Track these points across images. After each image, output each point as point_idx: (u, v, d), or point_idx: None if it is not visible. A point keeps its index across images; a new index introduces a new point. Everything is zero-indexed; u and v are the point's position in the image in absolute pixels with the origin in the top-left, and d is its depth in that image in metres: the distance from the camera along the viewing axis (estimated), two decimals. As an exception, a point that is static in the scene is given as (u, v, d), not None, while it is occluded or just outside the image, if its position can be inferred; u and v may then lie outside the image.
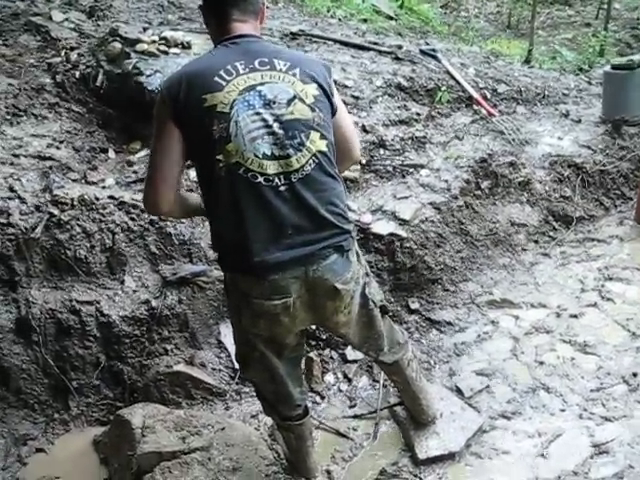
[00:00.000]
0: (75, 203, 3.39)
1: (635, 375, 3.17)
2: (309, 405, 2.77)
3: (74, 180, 3.69)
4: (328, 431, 3.16)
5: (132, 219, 3.46)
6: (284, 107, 2.14)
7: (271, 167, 2.11)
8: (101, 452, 3.08)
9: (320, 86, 2.25)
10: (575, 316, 3.67)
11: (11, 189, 3.40)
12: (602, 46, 8.10)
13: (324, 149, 2.20)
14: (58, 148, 3.90)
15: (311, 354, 3.43)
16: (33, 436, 3.15)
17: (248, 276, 2.19)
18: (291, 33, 5.51)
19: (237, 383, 3.35)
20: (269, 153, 2.11)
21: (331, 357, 3.51)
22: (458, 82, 5.22)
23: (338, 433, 3.14)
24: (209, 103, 2.09)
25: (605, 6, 9.08)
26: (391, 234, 3.78)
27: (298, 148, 2.14)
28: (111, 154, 4.11)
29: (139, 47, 4.41)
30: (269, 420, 3.02)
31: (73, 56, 4.53)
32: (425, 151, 4.51)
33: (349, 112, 4.50)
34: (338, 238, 2.23)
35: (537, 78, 5.94)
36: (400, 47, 5.66)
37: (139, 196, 3.55)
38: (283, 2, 7.16)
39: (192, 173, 3.47)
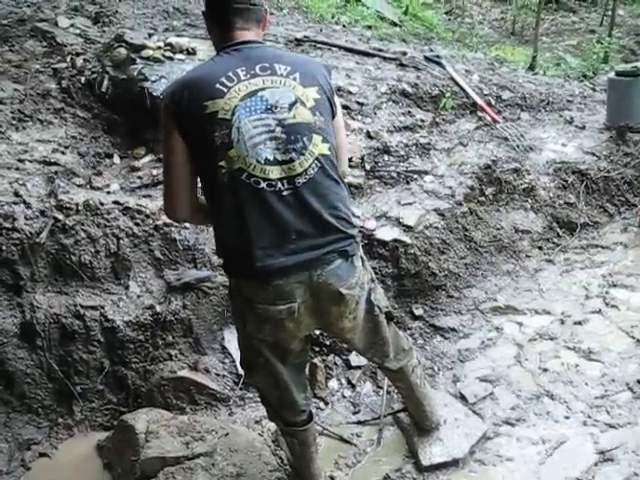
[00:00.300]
0: (80, 208, 3.40)
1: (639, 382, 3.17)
2: (313, 411, 2.76)
3: (79, 185, 3.70)
4: (332, 437, 3.15)
5: (137, 224, 3.47)
6: (286, 111, 2.15)
7: (274, 172, 2.12)
8: (105, 457, 3.08)
9: (321, 89, 2.26)
10: (579, 323, 3.66)
11: (16, 194, 3.41)
12: (606, 53, 8.09)
13: (327, 152, 2.21)
14: (63, 153, 3.92)
15: (315, 360, 3.43)
16: (37, 441, 3.15)
17: (252, 281, 2.19)
18: (296, 39, 5.53)
19: (241, 389, 3.35)
20: (271, 158, 2.11)
21: (335, 363, 3.50)
22: (462, 88, 5.23)
23: (342, 439, 3.13)
24: (210, 110, 2.10)
25: (609, 13, 9.09)
26: (395, 240, 3.78)
27: (301, 152, 2.15)
28: (116, 159, 4.12)
29: (144, 53, 4.44)
30: (273, 426, 3.01)
31: (79, 62, 4.55)
32: (429, 157, 4.51)
33: (353, 118, 4.57)
34: (342, 243, 2.23)
35: (541, 84, 5.95)
36: (404, 53, 5.67)
37: (144, 201, 3.58)
38: (288, 9, 7.18)
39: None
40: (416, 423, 3.02)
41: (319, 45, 5.56)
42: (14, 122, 4.00)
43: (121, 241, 3.42)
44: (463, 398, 3.25)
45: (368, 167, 4.23)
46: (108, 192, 3.70)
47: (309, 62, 2.43)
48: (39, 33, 4.82)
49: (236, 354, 3.08)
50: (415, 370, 2.81)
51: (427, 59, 5.65)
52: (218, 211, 2.21)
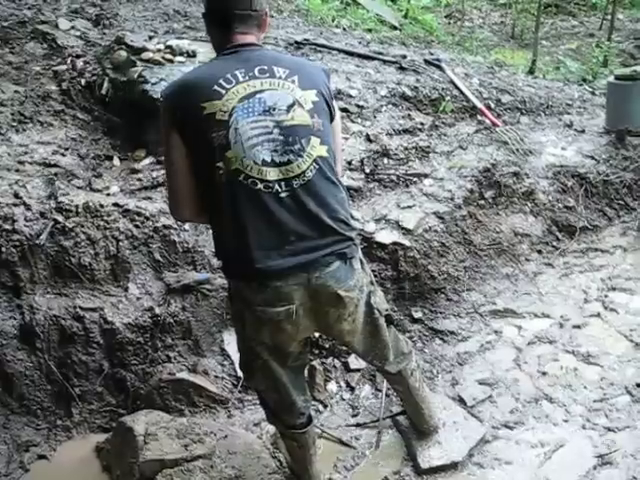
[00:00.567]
0: (80, 210, 3.41)
1: (638, 386, 3.17)
2: (312, 414, 2.76)
3: (79, 187, 3.70)
4: (331, 440, 3.15)
5: (136, 226, 3.47)
6: (284, 113, 2.15)
7: (271, 173, 2.12)
8: (103, 459, 3.08)
9: (319, 92, 2.27)
10: (578, 326, 3.67)
11: (16, 196, 3.41)
12: (606, 57, 8.11)
13: (325, 154, 2.22)
14: (63, 155, 3.92)
15: (314, 362, 3.43)
16: (35, 442, 3.14)
17: (251, 283, 2.19)
18: (296, 42, 5.53)
19: (240, 391, 3.35)
20: (269, 160, 2.12)
21: (334, 366, 3.50)
22: (462, 92, 5.23)
23: (341, 442, 3.14)
24: (208, 111, 2.11)
25: (609, 17, 9.11)
26: (394, 243, 3.78)
27: (299, 154, 2.15)
28: (116, 162, 4.12)
29: (144, 55, 4.44)
30: (272, 428, 3.02)
31: (79, 64, 4.55)
32: (429, 161, 4.52)
33: (353, 121, 4.57)
34: (340, 245, 2.24)
35: (541, 88, 5.96)
36: (404, 57, 5.68)
37: (143, 204, 3.58)
38: (288, 12, 7.19)
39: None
40: (415, 426, 3.03)
41: (319, 48, 5.56)
42: (14, 124, 4.00)
43: (121, 243, 3.42)
44: (462, 401, 3.25)
45: (368, 170, 4.24)
46: (108, 194, 3.70)
47: (308, 65, 2.44)
48: (40, 35, 4.82)
49: (235, 356, 3.08)
50: (414, 373, 2.81)
51: (427, 62, 5.66)
52: (216, 212, 2.22)
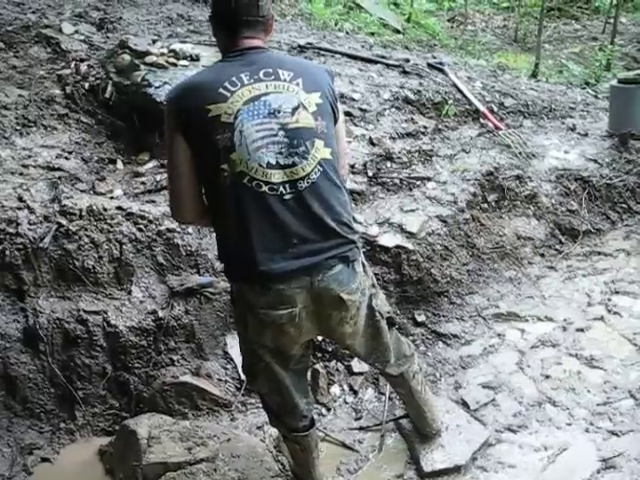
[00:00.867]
0: (83, 213, 3.41)
1: (642, 389, 3.17)
2: (315, 417, 2.76)
3: (82, 191, 3.71)
4: (334, 443, 3.15)
5: (140, 230, 3.48)
6: (289, 116, 2.16)
7: (276, 176, 2.12)
8: (106, 462, 3.08)
9: (323, 94, 2.27)
10: (581, 330, 3.66)
11: (20, 199, 3.42)
12: (609, 60, 8.11)
13: (329, 157, 2.22)
14: (67, 159, 3.93)
15: (317, 366, 3.43)
16: (39, 445, 3.14)
17: (254, 286, 2.20)
18: (299, 46, 5.55)
19: (243, 394, 3.35)
20: (274, 162, 2.12)
21: (337, 369, 3.50)
22: (465, 95, 5.24)
23: (344, 445, 3.13)
24: (213, 113, 2.12)
25: (612, 20, 9.10)
26: (397, 246, 3.78)
27: (303, 156, 2.16)
28: (119, 165, 4.13)
29: (148, 59, 4.45)
30: (275, 432, 3.01)
31: (83, 68, 4.57)
32: (432, 164, 4.52)
33: (356, 124, 4.58)
34: (343, 248, 2.24)
35: (544, 92, 5.96)
36: (407, 60, 5.69)
37: (147, 207, 3.58)
38: (291, 15, 7.21)
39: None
40: (418, 429, 3.02)
41: (322, 52, 5.58)
42: (18, 127, 4.02)
43: (124, 246, 3.42)
44: (465, 404, 3.25)
45: (371, 173, 4.24)
46: (111, 197, 3.71)
47: (312, 67, 2.45)
48: (43, 39, 4.84)
49: (238, 360, 3.07)
50: (416, 376, 2.81)
51: (430, 66, 5.67)
52: (220, 214, 2.23)
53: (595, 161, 4.85)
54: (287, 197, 2.14)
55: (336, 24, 7.44)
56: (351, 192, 3.96)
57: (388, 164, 4.37)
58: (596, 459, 2.84)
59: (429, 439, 2.98)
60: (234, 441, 2.93)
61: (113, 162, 4.14)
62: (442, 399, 3.25)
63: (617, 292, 3.95)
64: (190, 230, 3.55)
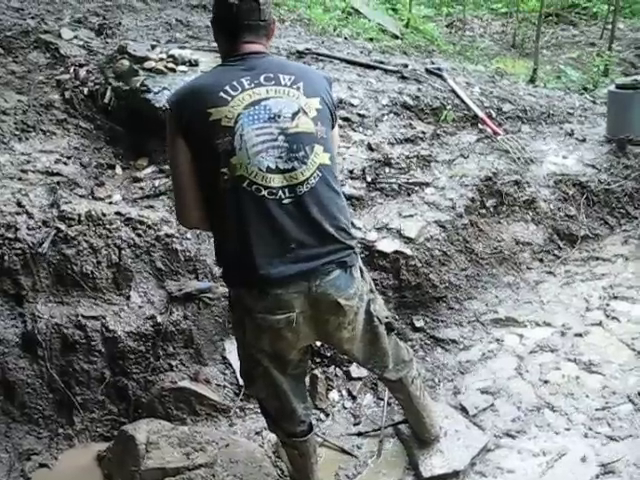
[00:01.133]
0: (82, 219, 3.41)
1: (640, 394, 3.17)
2: (313, 422, 2.76)
3: (81, 196, 3.71)
4: (332, 448, 3.15)
5: (138, 235, 3.48)
6: (289, 121, 2.17)
7: (275, 180, 2.13)
8: (105, 468, 3.07)
9: (322, 100, 2.28)
10: (580, 335, 3.66)
11: (19, 204, 3.42)
12: (606, 66, 8.13)
13: (327, 162, 2.23)
14: (66, 164, 3.93)
15: (316, 371, 3.43)
16: (37, 451, 3.14)
17: (252, 290, 2.20)
18: (298, 52, 5.56)
19: (241, 400, 3.35)
20: (273, 167, 2.13)
21: (336, 374, 3.50)
22: (463, 101, 5.25)
23: (342, 451, 3.13)
24: (214, 117, 2.13)
25: (609, 26, 9.13)
26: (396, 252, 3.79)
27: (303, 161, 2.17)
28: (118, 170, 4.13)
29: (147, 64, 4.46)
30: (273, 437, 3.01)
31: (82, 73, 4.57)
32: (430, 169, 4.53)
33: (354, 130, 4.59)
34: (341, 254, 2.25)
35: (542, 97, 5.98)
36: (406, 66, 5.70)
37: (146, 212, 3.59)
38: (290, 21, 7.22)
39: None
40: (417, 435, 3.02)
41: (321, 57, 5.59)
42: (17, 133, 4.02)
43: (123, 252, 3.42)
44: (464, 410, 3.24)
45: (369, 179, 4.25)
46: (110, 203, 3.71)
47: (311, 72, 2.46)
48: (43, 44, 4.84)
49: (237, 365, 3.07)
50: (415, 381, 2.81)
51: (428, 72, 5.68)
52: (219, 218, 2.23)
53: (593, 166, 4.86)
54: (286, 201, 2.15)
55: (335, 30, 7.46)
56: (350, 197, 3.96)
57: (387, 169, 4.38)
58: (595, 464, 2.83)
59: (428, 444, 2.98)
60: (233, 446, 2.93)
61: (112, 167, 4.14)
62: (441, 404, 3.25)
63: (615, 297, 3.95)
64: (189, 235, 3.55)
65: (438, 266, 3.91)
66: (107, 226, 3.44)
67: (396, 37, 8.48)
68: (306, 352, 2.52)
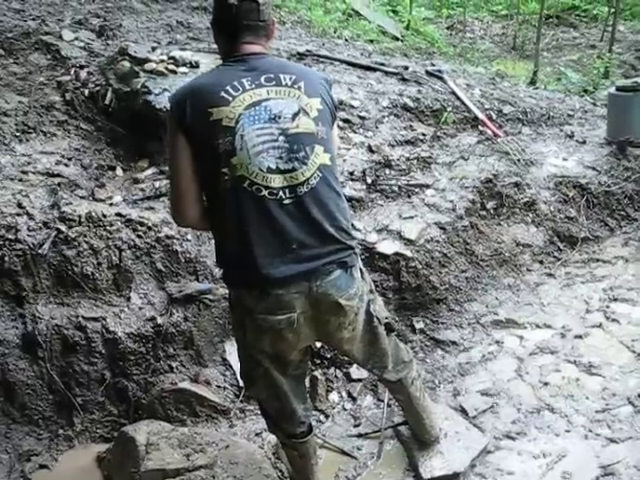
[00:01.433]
0: (82, 220, 3.41)
1: (641, 396, 3.17)
2: (313, 423, 2.76)
3: (82, 197, 3.72)
4: (332, 450, 3.15)
5: (139, 236, 3.48)
6: (289, 121, 2.17)
7: (276, 181, 2.14)
8: (105, 469, 3.07)
9: (323, 100, 2.29)
10: (580, 337, 3.66)
11: (19, 205, 3.42)
12: (607, 68, 8.14)
13: (328, 162, 2.23)
14: (66, 165, 3.93)
15: (316, 373, 3.43)
16: (37, 452, 3.13)
17: (252, 291, 2.20)
18: (298, 53, 5.57)
19: (242, 401, 3.35)
20: (274, 167, 2.14)
21: (336, 376, 3.50)
22: (464, 103, 5.25)
23: (342, 452, 3.13)
24: (215, 117, 2.13)
25: (610, 28, 9.14)
26: (396, 253, 3.79)
27: (303, 161, 2.17)
28: (119, 172, 4.14)
29: (148, 66, 4.46)
30: (273, 438, 3.01)
31: (82, 74, 4.58)
32: (431, 171, 4.53)
33: (355, 132, 4.59)
34: (342, 254, 2.25)
35: (542, 99, 5.98)
36: (406, 68, 5.71)
37: (146, 214, 3.59)
38: (290, 23, 7.23)
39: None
40: (416, 436, 3.02)
41: (321, 59, 5.60)
42: (18, 134, 4.02)
43: (123, 253, 3.42)
44: (464, 411, 3.25)
45: (369, 180, 4.25)
46: (111, 204, 3.71)
47: (312, 73, 2.46)
48: (43, 46, 4.85)
49: (237, 366, 3.07)
50: (414, 382, 2.81)
51: (429, 73, 5.69)
52: (220, 218, 2.23)
53: (593, 168, 4.87)
54: (286, 202, 2.15)
55: (335, 31, 7.47)
56: (350, 199, 3.96)
57: (387, 171, 4.38)
58: (595, 466, 2.83)
59: (428, 446, 2.98)
60: (233, 448, 2.92)
61: (112, 169, 4.15)
62: (441, 406, 3.25)
63: (615, 299, 3.95)
64: (189, 237, 3.55)
65: (438, 268, 3.92)
66: (107, 227, 3.44)
67: (396, 39, 8.49)
68: (306, 353, 2.52)
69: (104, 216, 3.47)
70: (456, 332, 3.80)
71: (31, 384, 3.19)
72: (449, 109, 5.12)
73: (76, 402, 3.23)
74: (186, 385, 3.30)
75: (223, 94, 2.15)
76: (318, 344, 3.37)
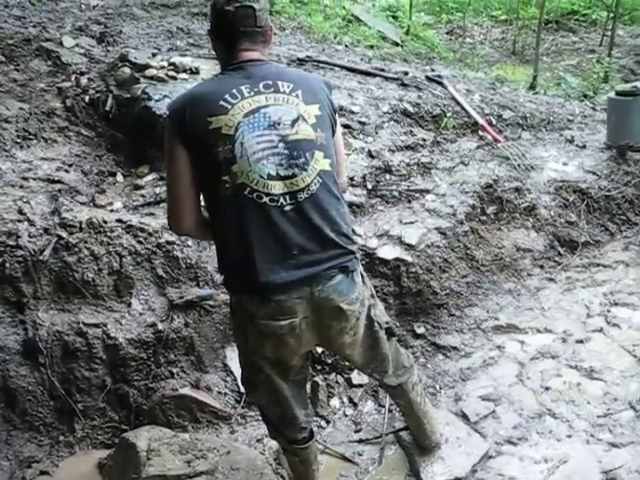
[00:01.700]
0: (83, 226, 3.42)
1: (642, 401, 3.16)
2: (314, 429, 2.76)
3: (82, 203, 3.72)
4: (333, 456, 3.15)
5: (139, 242, 3.48)
6: (288, 128, 2.17)
7: (276, 187, 2.14)
8: (106, 475, 3.06)
9: (322, 106, 2.29)
10: (581, 341, 3.66)
11: (20, 212, 3.43)
12: (606, 72, 8.15)
13: (328, 168, 2.24)
14: (67, 171, 3.94)
15: (317, 378, 3.43)
16: (38, 458, 3.13)
17: (254, 297, 2.20)
18: (298, 59, 5.58)
19: (243, 407, 3.34)
20: (274, 173, 2.14)
21: (337, 381, 3.50)
22: (464, 108, 5.26)
23: (343, 458, 3.13)
24: (214, 126, 2.13)
25: (609, 33, 9.16)
26: (397, 259, 3.79)
27: (303, 167, 2.17)
28: (119, 178, 4.15)
29: (148, 72, 4.48)
30: (274, 444, 3.01)
31: (83, 81, 4.59)
32: (431, 176, 4.54)
33: (355, 137, 4.59)
34: (343, 259, 2.25)
35: (542, 104, 5.99)
36: (406, 73, 5.72)
37: (147, 220, 3.59)
38: (290, 29, 7.24)
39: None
40: (418, 442, 3.01)
41: (321, 65, 5.61)
42: (19, 140, 4.03)
43: (124, 259, 3.43)
44: (465, 417, 3.24)
45: (370, 186, 4.25)
46: (111, 210, 3.72)
47: (311, 79, 2.46)
48: (44, 52, 4.87)
49: (238, 372, 3.07)
50: (415, 387, 2.81)
51: (428, 79, 5.70)
52: (221, 225, 2.24)
53: (593, 173, 4.87)
54: (287, 208, 2.15)
55: (335, 37, 7.48)
56: (350, 204, 3.96)
57: (387, 176, 4.38)
58: (597, 471, 2.83)
59: (429, 451, 2.98)
60: (234, 454, 2.92)
61: (113, 175, 4.16)
62: (442, 411, 3.25)
63: (616, 303, 3.95)
64: (190, 243, 3.55)
65: (439, 273, 3.92)
66: (108, 233, 3.45)
67: (396, 44, 8.50)
68: (307, 358, 2.52)
69: (105, 222, 3.47)
70: (457, 337, 3.80)
71: (32, 390, 3.19)
72: (449, 114, 5.13)
73: (77, 408, 3.23)
74: (187, 391, 3.29)
75: (222, 102, 2.15)
76: (319, 349, 3.37)
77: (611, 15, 9.47)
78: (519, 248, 4.36)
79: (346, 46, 7.07)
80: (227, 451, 2.92)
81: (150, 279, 3.47)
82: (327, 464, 3.08)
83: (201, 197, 2.28)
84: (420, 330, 3.78)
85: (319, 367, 3.51)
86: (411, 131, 4.90)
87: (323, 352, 3.46)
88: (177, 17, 6.47)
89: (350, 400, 3.46)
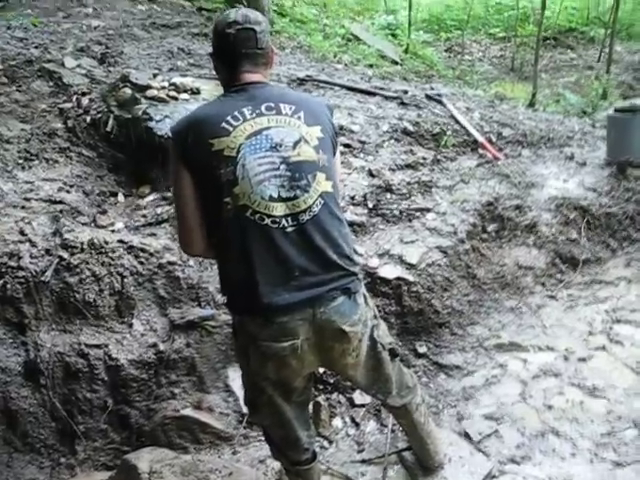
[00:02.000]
0: (85, 247, 3.42)
1: (646, 419, 3.15)
2: (317, 449, 2.74)
3: (84, 224, 3.73)
4: (336, 476, 3.12)
5: (141, 263, 3.48)
6: (290, 150, 2.18)
7: (278, 209, 2.15)
8: (107, 497, 3.06)
9: (324, 128, 2.30)
10: (583, 359, 3.65)
11: (22, 232, 3.43)
12: (605, 89, 8.19)
13: (330, 190, 2.24)
14: (68, 192, 3.95)
15: (319, 398, 3.42)
16: (39, 481, 3.13)
17: (256, 318, 2.20)
18: (298, 79, 5.61)
19: (245, 427, 3.33)
20: (276, 195, 2.15)
21: (339, 401, 3.49)
22: (463, 126, 5.28)
23: (346, 478, 3.10)
24: (216, 148, 2.14)
25: (607, 49, 9.21)
26: (398, 278, 3.79)
27: (305, 189, 2.18)
28: (120, 198, 4.16)
29: (149, 93, 4.51)
30: (277, 465, 2.99)
31: (84, 101, 4.62)
32: (431, 195, 4.54)
33: (355, 156, 4.61)
34: (345, 280, 2.25)
35: (541, 121, 6.01)
36: (406, 92, 5.75)
37: (148, 240, 3.60)
38: (290, 48, 7.29)
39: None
40: (421, 462, 3.00)
41: (321, 84, 5.64)
42: (20, 161, 4.05)
43: (125, 279, 3.43)
44: (468, 436, 3.22)
45: (370, 205, 4.26)
46: (113, 230, 3.73)
47: (312, 101, 2.47)
48: (46, 73, 4.90)
49: (240, 393, 3.07)
50: (419, 408, 2.80)
51: (428, 97, 5.73)
52: (223, 247, 2.24)
53: (594, 190, 4.88)
54: (289, 230, 2.16)
55: (335, 56, 7.53)
56: (351, 224, 3.97)
57: (388, 195, 4.40)
58: (601, 491, 2.82)
59: (432, 472, 2.96)
60: (236, 475, 2.91)
61: (114, 195, 4.17)
62: (445, 431, 3.23)
63: (619, 321, 3.94)
64: (191, 263, 3.56)
65: (440, 292, 3.91)
66: (109, 254, 3.45)
67: (396, 63, 8.56)
68: (309, 379, 2.51)
69: (106, 243, 3.48)
70: (459, 356, 3.79)
71: (33, 412, 3.18)
72: (449, 132, 5.15)
73: (78, 430, 3.22)
74: (189, 412, 3.28)
75: (224, 124, 2.16)
76: (321, 369, 3.36)
77: (609, 31, 9.53)
78: (520, 266, 4.36)
79: (346, 65, 7.12)
80: (229, 472, 2.91)
81: (151, 299, 3.47)
82: (330, 485, 3.07)
83: None
84: (422, 349, 3.77)
85: (321, 387, 3.50)
86: (411, 150, 4.92)
87: (325, 372, 3.45)
88: (178, 37, 6.51)
89: (352, 420, 3.44)
